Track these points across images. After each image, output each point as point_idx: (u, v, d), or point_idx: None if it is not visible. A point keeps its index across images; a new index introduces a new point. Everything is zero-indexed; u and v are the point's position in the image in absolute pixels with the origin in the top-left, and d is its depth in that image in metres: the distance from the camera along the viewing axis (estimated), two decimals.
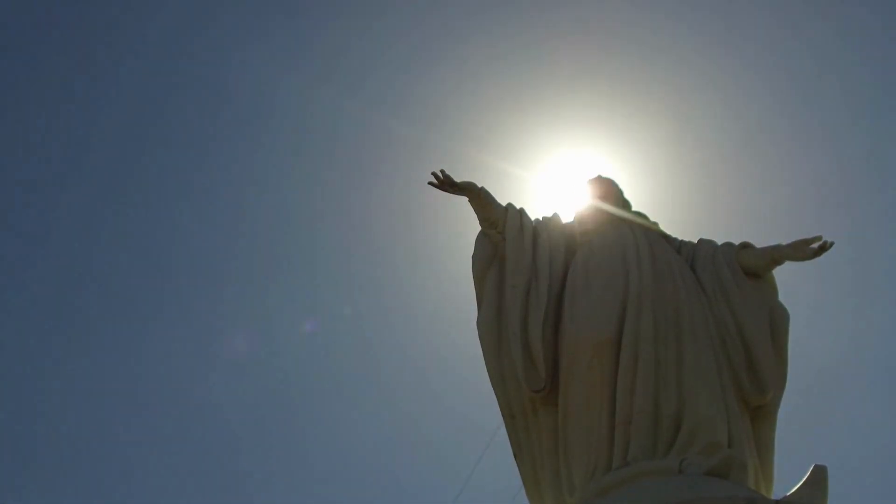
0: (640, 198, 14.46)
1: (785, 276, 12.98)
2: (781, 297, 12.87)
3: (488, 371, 12.78)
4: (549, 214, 13.92)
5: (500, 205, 13.64)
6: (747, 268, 12.79)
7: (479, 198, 13.46)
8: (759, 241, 13.11)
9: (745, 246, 12.99)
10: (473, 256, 13.61)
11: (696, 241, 13.45)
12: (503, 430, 12.72)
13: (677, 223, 14.27)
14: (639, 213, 13.76)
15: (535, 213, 13.98)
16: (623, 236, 12.98)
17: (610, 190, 14.08)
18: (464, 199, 13.59)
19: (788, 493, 11.08)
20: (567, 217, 13.99)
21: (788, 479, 11.73)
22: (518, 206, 13.74)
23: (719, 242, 13.22)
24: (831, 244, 12.37)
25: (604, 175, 14.43)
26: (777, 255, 12.69)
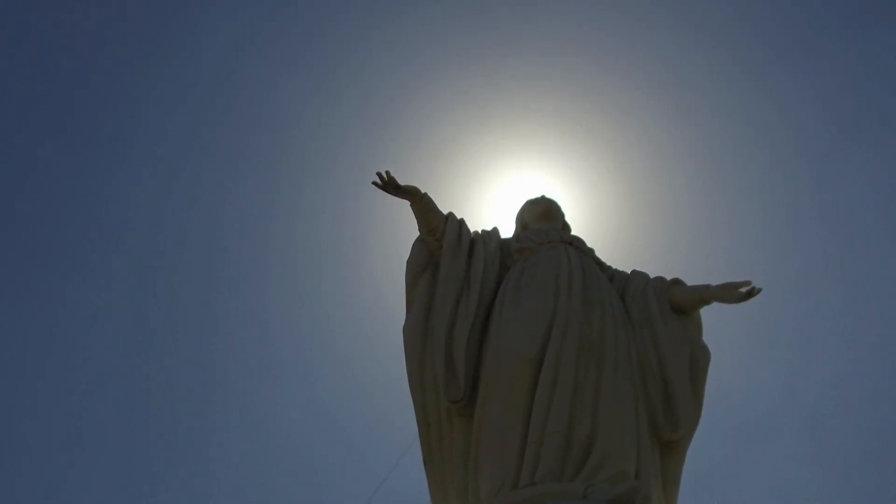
0: (580, 223, 14.63)
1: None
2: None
3: (409, 376, 12.71)
4: (488, 228, 13.94)
5: (441, 212, 13.62)
6: (676, 304, 12.89)
7: (422, 203, 13.43)
8: (694, 274, 13.28)
9: (676, 282, 13.09)
10: (408, 261, 13.56)
11: (629, 272, 13.54)
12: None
13: (613, 251, 14.42)
14: (577, 238, 13.83)
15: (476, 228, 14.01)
16: (558, 258, 13.01)
17: (551, 210, 14.14)
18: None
19: None
20: (507, 232, 14.01)
21: None
22: (459, 217, 13.73)
23: (653, 273, 13.33)
24: (759, 290, 12.50)
25: (548, 196, 14.51)
26: (706, 295, 12.77)
